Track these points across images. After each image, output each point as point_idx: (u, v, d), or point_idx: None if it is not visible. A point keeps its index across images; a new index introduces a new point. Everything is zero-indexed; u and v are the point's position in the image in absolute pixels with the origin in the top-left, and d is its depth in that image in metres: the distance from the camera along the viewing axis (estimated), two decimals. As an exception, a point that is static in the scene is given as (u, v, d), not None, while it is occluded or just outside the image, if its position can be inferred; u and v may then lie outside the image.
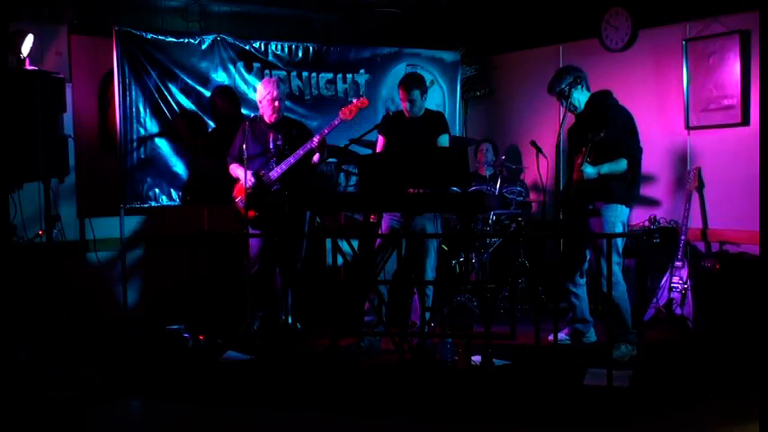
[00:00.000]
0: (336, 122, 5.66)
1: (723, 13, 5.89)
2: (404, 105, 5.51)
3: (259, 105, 5.84)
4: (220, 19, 6.78)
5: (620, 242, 5.08)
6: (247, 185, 5.57)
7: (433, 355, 5.02)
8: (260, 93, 5.83)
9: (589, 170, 4.95)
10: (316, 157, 5.67)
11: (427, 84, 5.84)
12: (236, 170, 5.76)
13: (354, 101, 5.79)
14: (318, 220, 6.24)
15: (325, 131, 5.63)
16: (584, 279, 5.38)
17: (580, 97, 5.15)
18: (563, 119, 4.91)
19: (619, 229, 5.08)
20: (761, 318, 4.73)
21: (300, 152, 5.61)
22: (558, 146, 5.04)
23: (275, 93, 5.71)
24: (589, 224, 5.15)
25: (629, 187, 5.10)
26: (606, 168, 4.96)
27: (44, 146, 5.06)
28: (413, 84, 5.51)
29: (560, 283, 5.38)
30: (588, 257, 5.32)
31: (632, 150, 5.04)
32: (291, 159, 5.63)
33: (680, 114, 6.21)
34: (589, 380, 4.52)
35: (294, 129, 5.84)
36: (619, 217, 5.08)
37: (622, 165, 4.97)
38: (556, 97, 5.23)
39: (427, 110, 5.62)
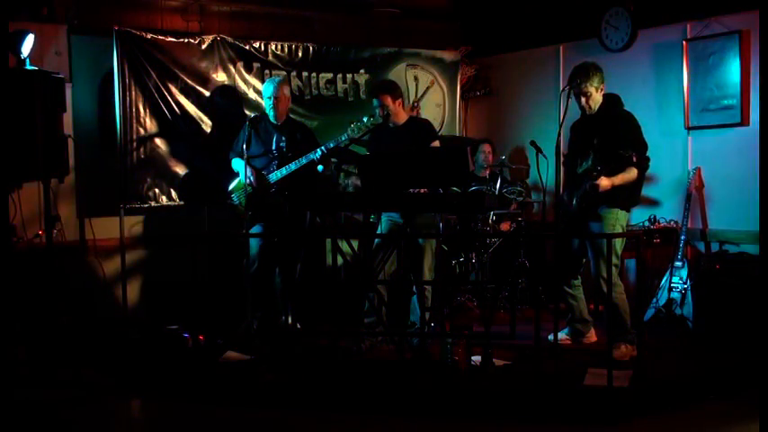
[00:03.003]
0: (343, 140, 5.62)
1: (723, 13, 5.89)
2: (380, 112, 5.53)
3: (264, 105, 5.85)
4: (220, 19, 6.78)
5: (617, 245, 5.08)
6: (248, 182, 5.57)
7: (433, 355, 5.02)
8: (263, 91, 5.86)
9: (605, 183, 4.93)
10: (319, 167, 5.65)
11: (422, 84, 5.81)
12: (238, 165, 5.75)
13: (365, 120, 5.71)
14: (318, 220, 6.24)
15: (331, 146, 5.61)
16: (580, 279, 5.38)
17: (598, 99, 5.14)
18: (563, 119, 4.91)
19: (618, 231, 5.08)
20: (760, 318, 4.73)
21: (303, 160, 5.61)
22: (557, 146, 5.04)
23: (270, 92, 5.72)
24: (589, 226, 5.15)
25: (632, 193, 5.13)
26: (620, 180, 4.96)
27: (44, 146, 5.05)
28: (380, 90, 5.56)
29: (558, 286, 5.39)
30: (584, 260, 5.32)
31: (643, 161, 5.05)
32: (293, 166, 5.63)
33: (680, 114, 6.21)
34: (589, 380, 4.52)
35: (299, 132, 5.83)
36: (619, 220, 5.09)
37: (633, 174, 4.98)
38: (573, 90, 5.07)
39: (411, 117, 5.63)
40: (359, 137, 5.76)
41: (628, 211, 5.18)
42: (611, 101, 5.15)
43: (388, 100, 5.51)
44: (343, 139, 5.63)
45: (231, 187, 5.82)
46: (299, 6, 7.03)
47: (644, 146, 5.06)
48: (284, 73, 6.57)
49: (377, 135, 5.65)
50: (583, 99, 5.10)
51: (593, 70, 5.09)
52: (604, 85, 5.13)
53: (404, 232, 5.31)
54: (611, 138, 4.92)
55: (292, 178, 5.68)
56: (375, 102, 5.55)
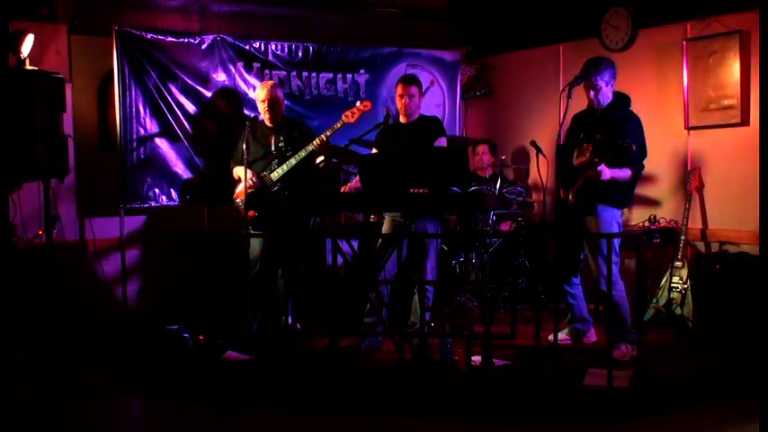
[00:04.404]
0: (338, 125, 5.66)
1: (723, 13, 5.89)
2: (401, 102, 5.52)
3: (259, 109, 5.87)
4: (220, 19, 6.78)
5: (616, 242, 5.09)
6: (248, 185, 5.57)
7: (433, 355, 5.02)
8: (256, 95, 5.88)
9: (607, 172, 4.91)
10: (319, 159, 5.67)
11: (425, 86, 5.84)
12: (238, 172, 5.76)
13: (358, 104, 5.78)
14: (318, 220, 6.24)
15: (328, 134, 5.62)
16: (579, 278, 5.38)
17: (608, 95, 5.13)
18: (563, 118, 4.91)
19: (615, 229, 5.09)
20: (761, 318, 4.73)
21: (302, 153, 5.61)
22: (557, 146, 5.04)
23: (264, 95, 5.72)
24: (585, 223, 5.16)
25: (627, 193, 5.18)
26: (618, 173, 4.97)
27: (44, 146, 5.05)
28: (411, 80, 5.58)
29: (558, 285, 5.39)
30: (582, 258, 5.32)
31: (639, 164, 5.07)
32: (293, 161, 5.64)
33: (680, 114, 6.21)
34: (589, 380, 4.52)
35: (296, 130, 5.84)
36: (615, 218, 5.11)
37: (627, 174, 5.00)
38: (584, 83, 5.07)
39: (422, 115, 5.63)
40: (360, 136, 5.77)
41: (622, 210, 5.21)
42: (622, 100, 5.15)
43: (418, 92, 5.53)
44: (338, 125, 5.65)
45: (236, 192, 5.81)
46: (299, 6, 7.03)
47: (644, 152, 5.07)
48: (284, 73, 6.57)
49: (389, 133, 5.65)
50: (592, 92, 5.10)
51: (606, 64, 5.09)
52: (616, 81, 5.13)
53: (406, 231, 5.31)
54: (616, 135, 4.91)
55: (294, 177, 5.68)
56: (401, 90, 5.52)
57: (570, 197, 5.15)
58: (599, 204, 5.07)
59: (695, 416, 4.17)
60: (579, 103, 5.19)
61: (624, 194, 5.14)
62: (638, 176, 5.19)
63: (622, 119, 5.03)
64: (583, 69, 5.10)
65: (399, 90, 5.54)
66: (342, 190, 5.86)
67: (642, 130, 5.08)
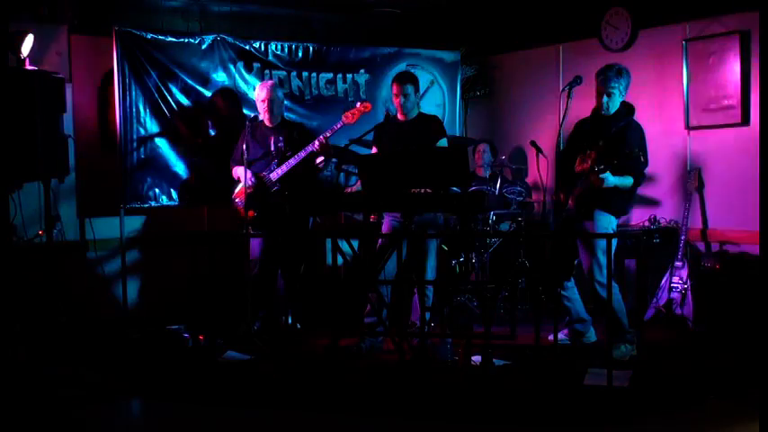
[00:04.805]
0: (338, 126, 5.66)
1: (723, 13, 5.90)
2: (397, 101, 5.51)
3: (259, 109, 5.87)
4: (220, 19, 6.78)
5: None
6: (247, 185, 5.57)
7: (433, 355, 5.02)
8: (256, 95, 5.88)
9: (611, 179, 4.92)
10: (319, 160, 5.67)
11: (422, 84, 5.82)
12: (238, 171, 5.77)
13: (358, 104, 5.79)
14: (318, 220, 6.24)
15: (327, 134, 5.63)
16: (572, 281, 5.38)
17: (617, 103, 5.14)
18: (563, 119, 4.91)
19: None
20: (761, 318, 4.73)
21: (302, 154, 5.62)
22: (557, 146, 5.04)
23: (264, 95, 5.72)
24: (581, 229, 5.16)
25: (626, 202, 5.21)
26: (619, 181, 4.98)
27: (44, 146, 5.05)
28: (406, 78, 5.55)
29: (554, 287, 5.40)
30: (576, 263, 5.32)
31: (640, 174, 5.08)
32: (292, 161, 5.64)
33: (680, 114, 6.21)
34: (589, 380, 4.52)
35: (295, 131, 5.84)
36: (611, 224, 5.12)
37: (628, 181, 5.01)
38: (602, 87, 5.09)
39: (421, 113, 5.62)
40: (360, 136, 5.77)
41: (618, 218, 5.23)
42: (627, 109, 5.16)
43: (413, 89, 5.51)
44: (338, 126, 5.65)
45: (235, 192, 5.82)
46: (299, 6, 7.03)
47: (646, 161, 5.08)
48: (284, 73, 6.57)
49: (385, 129, 5.63)
50: (605, 98, 5.10)
51: (625, 74, 5.13)
52: (627, 92, 5.14)
53: (407, 231, 5.31)
54: (619, 143, 4.91)
55: (293, 177, 5.68)
56: (396, 89, 5.50)
57: (570, 203, 5.15)
58: (596, 210, 5.08)
59: (695, 416, 4.16)
60: (579, 103, 5.19)
61: (623, 203, 5.16)
62: (639, 185, 5.20)
63: (625, 127, 5.03)
64: (602, 74, 5.10)
65: (394, 89, 5.53)
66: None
67: (644, 139, 5.08)
